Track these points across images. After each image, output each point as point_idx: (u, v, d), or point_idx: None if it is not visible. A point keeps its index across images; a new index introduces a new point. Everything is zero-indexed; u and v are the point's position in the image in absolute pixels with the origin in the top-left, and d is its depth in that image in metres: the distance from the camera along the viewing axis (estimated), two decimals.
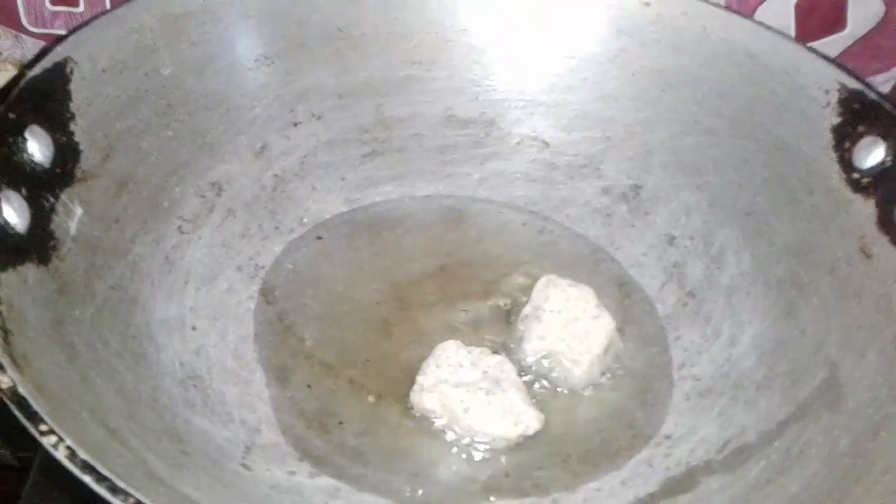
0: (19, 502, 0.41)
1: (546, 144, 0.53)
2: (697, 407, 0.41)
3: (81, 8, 0.59)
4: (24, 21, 0.59)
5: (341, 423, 0.39)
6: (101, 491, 0.24)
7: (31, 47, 0.61)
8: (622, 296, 0.47)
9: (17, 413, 0.25)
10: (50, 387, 0.28)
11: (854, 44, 0.62)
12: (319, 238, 0.48)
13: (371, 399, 0.40)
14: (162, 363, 0.37)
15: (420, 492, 0.36)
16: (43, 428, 0.25)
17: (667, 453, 0.39)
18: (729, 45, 0.49)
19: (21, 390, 0.26)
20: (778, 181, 0.46)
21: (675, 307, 0.46)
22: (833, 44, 0.62)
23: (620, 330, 0.44)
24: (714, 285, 0.46)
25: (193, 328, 0.40)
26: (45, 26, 0.59)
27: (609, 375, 0.43)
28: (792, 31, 0.61)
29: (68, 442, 0.24)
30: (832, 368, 0.39)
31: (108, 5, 0.58)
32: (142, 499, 0.23)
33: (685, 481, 0.37)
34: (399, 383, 0.41)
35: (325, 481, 0.36)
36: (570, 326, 0.42)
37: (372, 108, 0.52)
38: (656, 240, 0.49)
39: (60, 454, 0.24)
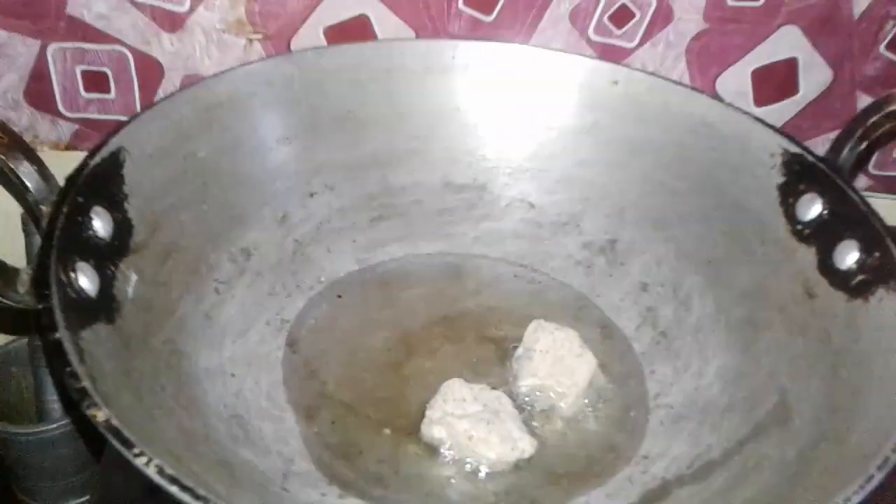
0: None
1: (532, 206, 0.60)
2: (670, 430, 0.47)
3: (113, 95, 0.65)
4: (60, 106, 0.65)
5: (362, 452, 0.45)
6: (185, 497, 0.30)
7: (66, 130, 0.67)
8: (603, 336, 0.53)
9: (113, 441, 0.31)
10: (128, 421, 0.34)
11: (807, 106, 0.69)
12: (337, 294, 0.54)
13: (387, 432, 0.46)
14: (209, 404, 0.43)
15: None
16: (135, 451, 0.31)
17: (644, 470, 0.45)
18: (688, 116, 0.56)
19: (114, 422, 0.32)
20: (735, 233, 0.53)
21: (650, 345, 0.53)
22: (788, 107, 0.69)
23: (602, 366, 0.51)
24: (683, 325, 0.53)
25: (232, 375, 0.46)
26: (79, 111, 0.66)
27: (593, 406, 0.49)
28: (750, 97, 0.68)
29: (157, 461, 0.31)
30: (783, 393, 0.45)
31: (136, 94, 0.65)
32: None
33: (660, 492, 0.43)
34: (411, 417, 0.47)
35: (352, 501, 0.42)
36: (557, 364, 0.49)
37: (378, 178, 0.58)
38: (631, 287, 0.56)
39: (151, 471, 0.30)
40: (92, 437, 0.66)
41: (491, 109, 0.60)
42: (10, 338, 0.74)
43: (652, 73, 0.58)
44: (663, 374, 0.51)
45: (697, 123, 0.56)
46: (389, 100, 0.58)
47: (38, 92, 0.65)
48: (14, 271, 0.38)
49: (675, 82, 0.57)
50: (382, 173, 0.59)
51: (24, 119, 0.66)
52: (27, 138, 0.67)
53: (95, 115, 0.66)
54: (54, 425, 0.68)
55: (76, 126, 0.67)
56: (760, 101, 0.69)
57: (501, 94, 0.59)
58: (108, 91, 0.65)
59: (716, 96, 0.59)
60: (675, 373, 0.50)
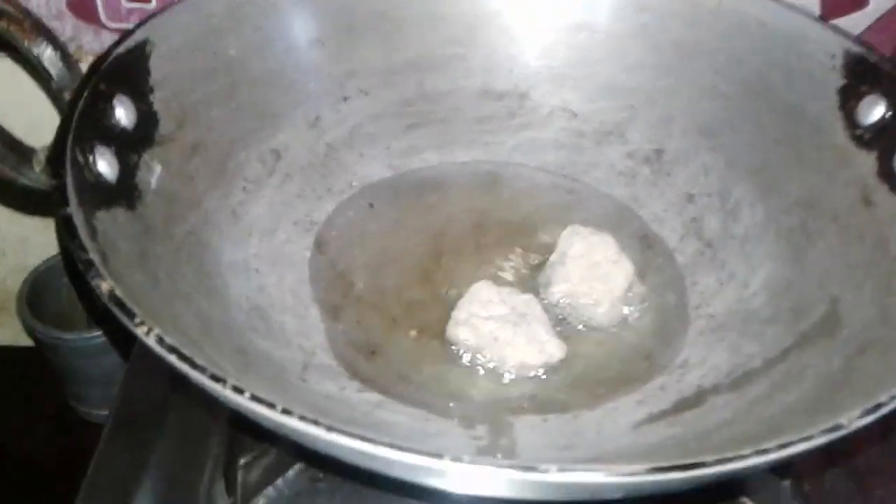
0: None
1: (574, 114, 0.57)
2: (710, 340, 0.45)
3: (154, 4, 0.65)
4: (102, 17, 0.65)
5: (385, 351, 0.44)
6: (184, 367, 0.29)
7: (109, 41, 0.67)
8: (644, 246, 0.51)
9: (115, 311, 0.31)
10: (139, 299, 0.33)
11: (876, 21, 0.64)
12: (368, 200, 0.53)
13: (413, 333, 0.45)
14: (230, 296, 0.43)
15: (453, 405, 0.41)
16: (137, 320, 0.30)
17: (679, 379, 0.43)
18: (741, 17, 0.52)
19: (118, 293, 0.31)
20: (788, 140, 0.50)
21: (694, 256, 0.50)
22: (855, 21, 0.65)
23: (641, 275, 0.48)
24: (730, 236, 0.50)
25: (257, 270, 0.46)
26: (121, 21, 0.65)
27: (629, 314, 0.47)
28: (816, 9, 0.64)
29: (157, 331, 0.30)
30: (833, 303, 0.42)
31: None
32: (216, 372, 0.29)
33: (694, 400, 0.41)
34: (437, 321, 0.46)
35: (372, 396, 0.41)
36: (592, 270, 0.47)
37: (415, 83, 0.57)
38: (676, 198, 0.53)
39: (151, 340, 0.30)
40: (125, 348, 0.67)
41: (533, 13, 0.57)
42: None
43: None
44: (706, 284, 0.48)
45: (752, 24, 0.52)
46: (427, 1, 0.56)
47: (80, 2, 0.65)
48: (30, 150, 0.38)
49: None
50: (419, 79, 0.57)
51: (67, 29, 0.66)
52: (71, 48, 0.67)
53: None
54: (101, 332, 0.69)
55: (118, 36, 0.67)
56: (826, 12, 0.64)
57: None
58: (149, 1, 0.64)
59: None
60: (719, 283, 0.48)
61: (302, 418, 0.28)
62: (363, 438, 0.27)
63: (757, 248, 0.48)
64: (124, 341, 0.65)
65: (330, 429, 0.28)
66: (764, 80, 0.52)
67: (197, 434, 0.45)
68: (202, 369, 0.29)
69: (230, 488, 0.43)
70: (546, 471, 0.27)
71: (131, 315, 0.31)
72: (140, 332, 0.30)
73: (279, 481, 0.42)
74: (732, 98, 0.53)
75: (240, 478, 0.42)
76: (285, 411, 0.28)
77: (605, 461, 0.36)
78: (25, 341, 0.79)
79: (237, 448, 0.44)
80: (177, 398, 0.46)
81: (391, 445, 0.27)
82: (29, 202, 0.75)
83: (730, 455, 0.28)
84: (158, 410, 0.46)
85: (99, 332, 0.69)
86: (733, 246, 0.49)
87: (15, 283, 0.76)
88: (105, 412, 0.73)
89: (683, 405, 0.41)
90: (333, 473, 0.42)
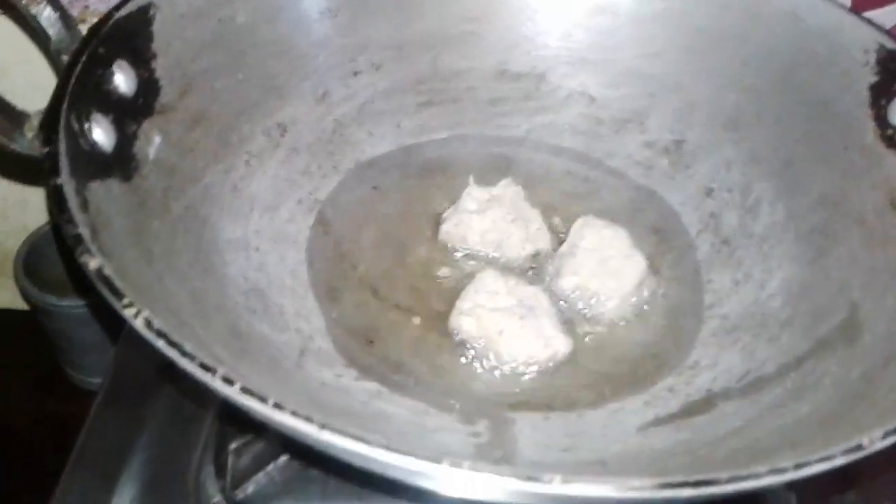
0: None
1: (593, 99, 0.55)
2: (723, 342, 0.43)
3: None
4: None
5: (385, 338, 0.42)
6: (172, 353, 0.28)
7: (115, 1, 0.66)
8: (658, 240, 0.49)
9: (102, 290, 0.29)
10: (130, 278, 0.32)
11: None
12: (374, 180, 0.51)
13: (415, 321, 0.44)
14: (228, 276, 0.41)
15: (453, 401, 0.39)
16: (125, 301, 0.29)
17: (688, 381, 0.41)
18: (774, 6, 0.50)
19: (106, 271, 0.30)
20: (816, 136, 0.48)
21: (709, 253, 0.48)
22: (889, 14, 0.62)
23: (656, 272, 0.47)
24: (748, 233, 0.48)
25: (257, 249, 0.44)
26: None
27: (639, 311, 0.45)
28: (848, 1, 0.62)
29: (146, 313, 0.28)
30: (853, 308, 0.41)
31: None
32: (206, 361, 0.27)
33: (703, 405, 0.40)
34: (441, 310, 0.44)
35: (370, 385, 0.39)
36: (603, 264, 0.45)
37: (428, 60, 0.55)
38: (695, 191, 0.51)
39: (139, 323, 0.28)
40: (109, 322, 0.66)
41: None
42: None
43: None
44: (721, 283, 0.46)
45: (783, 14, 0.50)
46: None
47: None
48: (23, 115, 0.36)
49: None
50: (433, 55, 0.55)
51: None
52: (76, 9, 0.65)
53: None
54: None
55: None
56: (858, 5, 0.62)
57: None
58: None
59: None
60: (735, 283, 0.46)
61: (294, 414, 0.26)
62: (359, 439, 0.26)
63: (776, 248, 0.46)
64: (109, 315, 0.64)
65: (323, 426, 0.26)
66: (792, 73, 0.50)
67: (188, 414, 0.44)
68: (191, 357, 0.27)
69: (220, 472, 0.41)
70: (549, 481, 0.25)
71: (119, 295, 0.29)
72: (128, 314, 0.29)
73: (270, 467, 0.41)
74: (758, 90, 0.51)
75: (230, 463, 0.41)
76: (277, 406, 0.26)
77: (609, 465, 0.35)
78: (22, 304, 0.78)
79: (228, 432, 0.42)
80: (168, 378, 0.45)
81: (388, 448, 0.26)
82: (23, 169, 0.73)
83: (744, 473, 0.27)
84: (150, 387, 0.45)
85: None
86: (751, 244, 0.47)
87: (14, 244, 0.75)
88: (98, 380, 0.72)
89: (692, 409, 0.40)
90: (324, 471, 0.40)
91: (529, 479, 0.26)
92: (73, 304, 0.68)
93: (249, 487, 0.40)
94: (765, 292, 0.45)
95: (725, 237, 0.49)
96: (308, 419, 0.26)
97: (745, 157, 0.51)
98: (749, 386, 0.40)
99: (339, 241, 0.47)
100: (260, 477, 0.40)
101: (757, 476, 0.27)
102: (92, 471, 0.41)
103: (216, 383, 0.27)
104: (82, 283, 0.67)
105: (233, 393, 0.27)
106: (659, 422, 0.39)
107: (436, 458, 0.26)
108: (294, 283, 0.44)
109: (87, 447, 0.43)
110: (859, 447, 0.28)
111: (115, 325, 0.51)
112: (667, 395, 0.41)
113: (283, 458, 0.41)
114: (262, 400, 0.27)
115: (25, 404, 0.73)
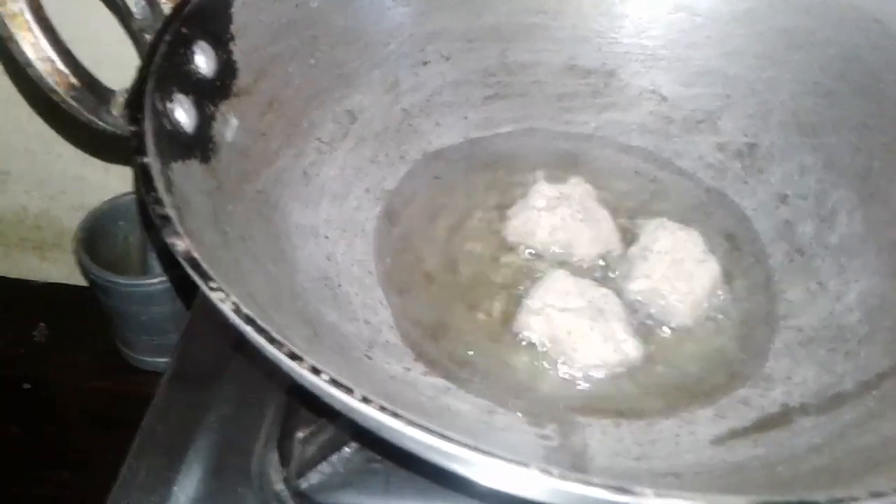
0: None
1: (664, 98, 0.54)
2: (798, 354, 0.42)
3: None
4: None
5: (452, 334, 0.42)
6: (259, 340, 0.27)
7: None
8: (731, 247, 0.48)
9: (190, 272, 0.29)
10: (213, 260, 0.32)
11: None
12: (441, 170, 0.50)
13: (482, 317, 0.43)
14: (298, 261, 0.41)
15: (520, 401, 0.39)
16: (213, 284, 0.28)
17: (763, 394, 0.40)
18: (857, 10, 0.49)
19: (194, 254, 0.29)
20: None
21: (783, 262, 0.47)
22: None
23: (728, 278, 0.45)
24: (824, 244, 0.47)
25: (326, 237, 0.44)
26: None
27: (712, 318, 0.44)
28: None
29: (234, 298, 0.28)
30: None
31: None
32: (294, 350, 0.27)
33: (779, 419, 0.39)
34: (506, 307, 0.44)
35: (437, 380, 0.39)
36: (675, 267, 0.44)
37: (497, 52, 0.54)
38: (768, 197, 0.50)
39: (227, 307, 0.28)
40: (189, 296, 0.66)
41: None
42: (120, 192, 0.75)
43: None
44: (795, 293, 0.45)
45: (867, 19, 0.49)
46: None
47: None
48: (109, 92, 0.36)
49: None
50: (503, 48, 0.54)
51: None
52: None
53: None
54: (155, 280, 0.68)
55: None
56: None
57: None
58: None
59: None
60: (809, 294, 0.45)
61: (382, 409, 0.26)
62: (446, 438, 0.25)
63: (853, 260, 0.45)
64: (186, 289, 0.65)
65: (410, 423, 0.26)
66: (875, 80, 0.48)
67: (252, 401, 0.44)
68: (279, 344, 0.27)
69: (284, 460, 0.41)
70: (642, 494, 0.25)
71: (207, 278, 0.29)
72: (216, 297, 0.28)
73: (334, 457, 0.40)
74: (839, 96, 0.49)
75: (295, 451, 0.41)
76: (365, 399, 0.26)
77: (683, 478, 0.34)
78: (79, 280, 0.78)
79: (294, 421, 0.42)
80: (236, 361, 0.45)
81: (476, 449, 0.25)
82: (96, 143, 0.73)
83: (841, 496, 0.26)
84: (215, 371, 0.45)
85: (153, 279, 0.68)
86: (828, 255, 0.46)
87: (71, 221, 0.76)
88: (150, 359, 0.73)
89: (768, 423, 0.38)
90: (392, 460, 0.40)
91: (620, 490, 0.25)
92: (130, 283, 0.68)
93: (313, 477, 0.40)
94: (841, 305, 0.44)
95: (800, 246, 0.47)
96: (395, 415, 0.26)
97: (822, 164, 0.49)
98: (827, 402, 0.39)
99: (406, 233, 0.47)
100: (324, 466, 0.40)
101: (855, 500, 0.26)
102: (157, 453, 0.41)
103: (302, 372, 0.27)
104: (164, 257, 0.67)
105: (319, 382, 0.26)
106: (734, 434, 0.38)
107: (524, 463, 0.25)
108: (361, 274, 0.43)
109: (153, 429, 0.43)
110: None
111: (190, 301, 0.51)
112: (740, 407, 0.40)
113: (347, 450, 0.40)
114: (349, 391, 0.26)
115: (79, 378, 0.74)
